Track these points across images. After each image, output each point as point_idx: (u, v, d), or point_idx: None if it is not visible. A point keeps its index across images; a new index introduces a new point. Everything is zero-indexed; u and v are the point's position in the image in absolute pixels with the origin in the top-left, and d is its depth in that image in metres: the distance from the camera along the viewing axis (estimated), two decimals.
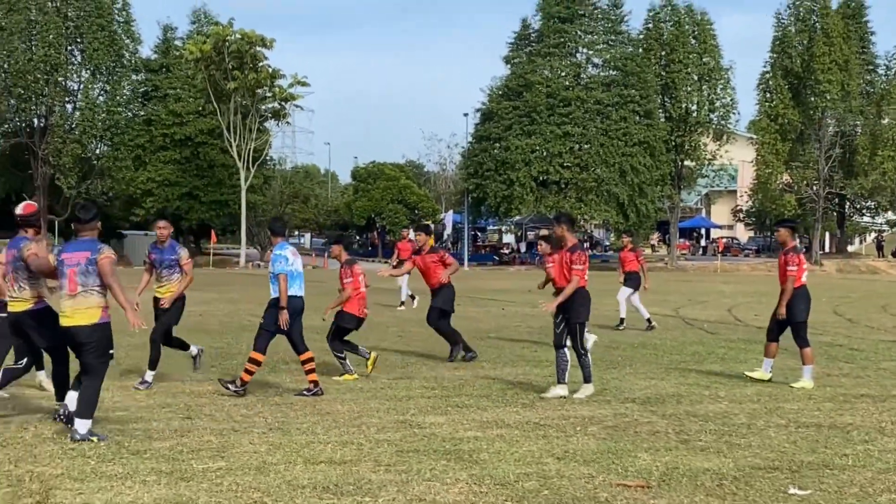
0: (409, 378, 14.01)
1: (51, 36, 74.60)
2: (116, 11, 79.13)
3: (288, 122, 72.56)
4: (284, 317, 12.23)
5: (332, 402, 11.86)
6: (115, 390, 12.43)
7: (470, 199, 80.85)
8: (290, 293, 12.33)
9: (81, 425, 9.19)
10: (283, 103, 71.30)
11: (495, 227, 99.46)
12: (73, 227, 9.87)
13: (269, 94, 71.21)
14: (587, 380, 12.62)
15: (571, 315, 12.54)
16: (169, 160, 78.38)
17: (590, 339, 18.77)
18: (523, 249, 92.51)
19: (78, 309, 9.22)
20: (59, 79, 76.69)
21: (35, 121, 77.90)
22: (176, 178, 78.09)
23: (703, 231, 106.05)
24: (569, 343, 12.60)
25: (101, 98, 78.44)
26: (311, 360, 12.54)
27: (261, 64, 69.61)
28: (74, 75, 78.64)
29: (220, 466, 8.37)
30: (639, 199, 73.38)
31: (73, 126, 76.68)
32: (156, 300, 12.91)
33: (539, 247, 25.24)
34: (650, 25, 77.54)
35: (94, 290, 9.23)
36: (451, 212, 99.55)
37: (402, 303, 27.71)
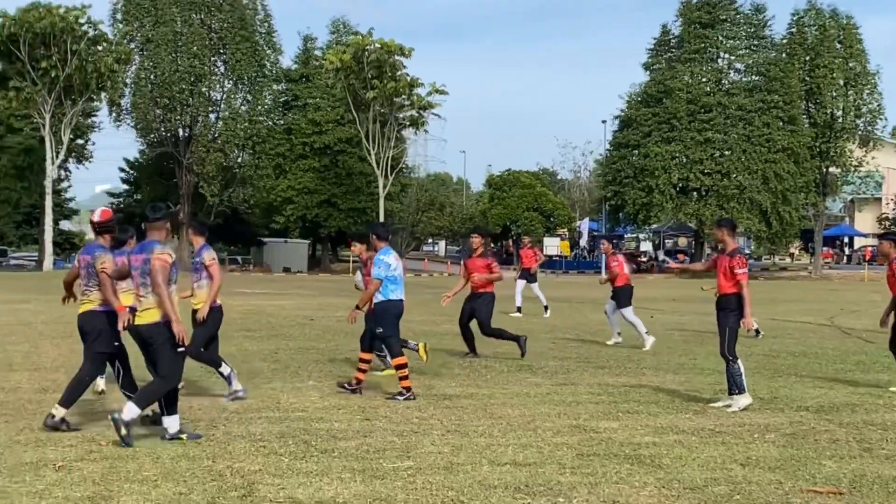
0: (574, 384, 14.08)
1: (195, 47, 76.71)
2: (258, 23, 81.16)
3: (426, 131, 73.27)
4: (353, 314, 12.97)
5: (503, 406, 12.00)
6: (289, 392, 12.80)
7: (607, 207, 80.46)
8: (391, 297, 12.66)
9: (171, 423, 9.47)
10: (421, 111, 71.91)
11: (632, 235, 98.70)
12: (142, 226, 9.80)
13: (407, 103, 71.88)
14: (739, 390, 12.23)
15: (724, 319, 12.36)
16: (308, 168, 79.79)
17: (648, 341, 19.00)
18: (661, 257, 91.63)
19: (142, 309, 9.35)
20: (203, 89, 78.70)
21: (180, 130, 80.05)
22: (315, 186, 79.43)
23: (846, 239, 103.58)
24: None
25: (243, 108, 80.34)
26: (404, 365, 12.68)
27: (399, 73, 70.36)
28: (217, 85, 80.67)
29: (409, 466, 8.58)
30: (782, 207, 72.18)
31: (217, 135, 78.60)
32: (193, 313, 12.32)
33: (602, 246, 26.13)
34: (793, 30, 76.14)
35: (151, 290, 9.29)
36: (586, 219, 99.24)
37: (519, 308, 27.37)
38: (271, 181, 79.45)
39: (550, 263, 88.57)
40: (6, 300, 31.39)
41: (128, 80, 74.89)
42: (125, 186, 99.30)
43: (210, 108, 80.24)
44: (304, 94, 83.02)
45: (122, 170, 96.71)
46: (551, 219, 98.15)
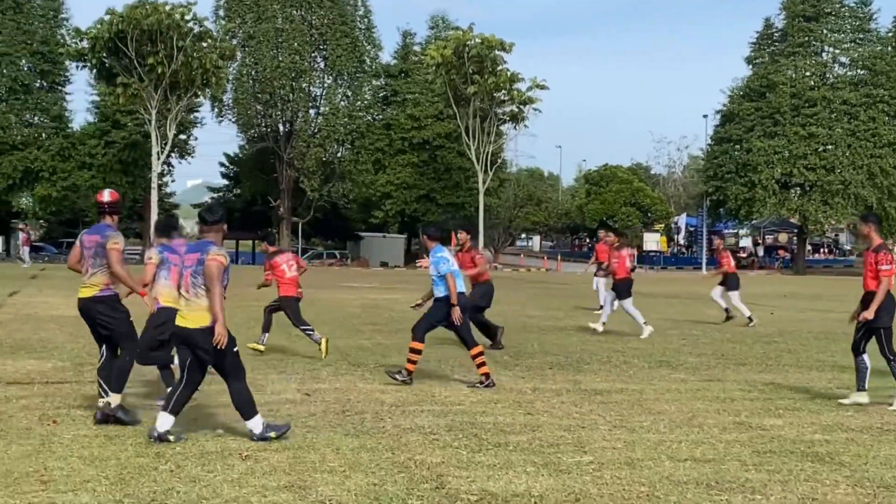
0: (720, 381, 13.90)
1: (296, 43, 77.41)
2: (359, 18, 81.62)
3: (526, 126, 72.99)
4: (457, 313, 12.72)
5: (657, 401, 11.89)
6: (438, 385, 12.83)
7: (708, 202, 79.61)
8: (458, 290, 12.85)
9: (256, 424, 9.02)
10: (520, 106, 71.74)
11: (732, 231, 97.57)
12: (198, 228, 9.62)
13: (506, 98, 71.76)
14: None
15: (875, 319, 12.08)
16: (407, 163, 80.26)
17: (646, 330, 19.53)
18: (761, 253, 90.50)
19: (191, 310, 9.05)
20: (304, 85, 79.40)
21: (280, 126, 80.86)
22: (414, 181, 79.84)
23: None
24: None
25: (342, 103, 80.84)
26: (480, 353, 12.93)
27: (499, 67, 70.27)
28: (317, 81, 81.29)
29: (590, 461, 8.52)
30: (888, 202, 70.88)
31: (317, 130, 79.25)
32: None
33: (714, 241, 26.33)
34: None
35: (203, 292, 9.00)
36: (684, 215, 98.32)
37: (602, 306, 26.85)
38: (370, 176, 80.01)
39: (648, 259, 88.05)
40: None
41: (230, 76, 75.68)
42: (224, 181, 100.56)
43: (310, 104, 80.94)
44: (403, 90, 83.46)
45: (221, 164, 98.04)
46: (648, 214, 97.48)
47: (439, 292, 12.99)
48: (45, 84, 79.42)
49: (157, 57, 64.57)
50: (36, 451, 8.43)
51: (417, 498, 7.25)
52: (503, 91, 71.07)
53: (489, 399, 11.75)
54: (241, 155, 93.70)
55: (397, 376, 12.87)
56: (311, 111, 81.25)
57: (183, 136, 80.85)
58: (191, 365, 9.07)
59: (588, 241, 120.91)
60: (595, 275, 26.58)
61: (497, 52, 70.10)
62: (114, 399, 9.60)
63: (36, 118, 78.95)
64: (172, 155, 79.96)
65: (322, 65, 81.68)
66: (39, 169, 76.49)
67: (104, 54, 65.87)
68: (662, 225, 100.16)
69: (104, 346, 10.00)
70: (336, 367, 14.31)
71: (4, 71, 75.73)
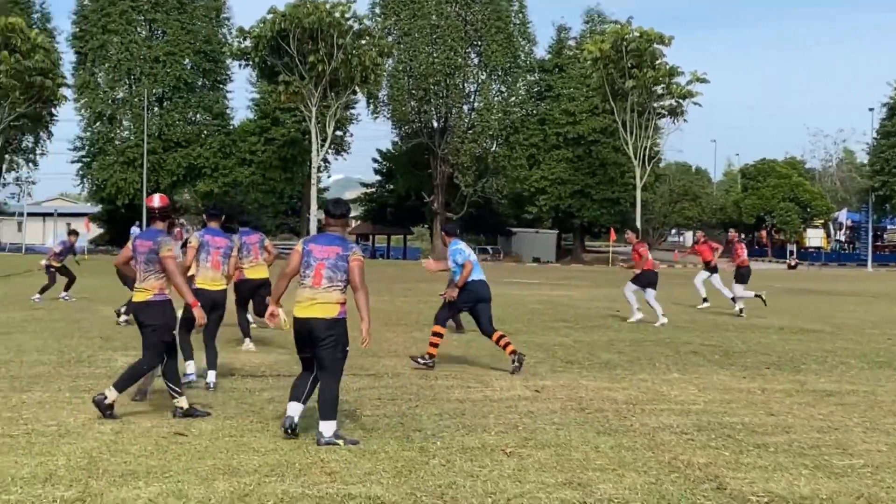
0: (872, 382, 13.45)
1: (451, 39, 77.75)
2: (513, 14, 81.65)
3: (685, 120, 72.07)
4: (452, 294, 13.51)
5: (895, 403, 11.56)
6: (661, 383, 12.69)
7: (873, 197, 77.42)
8: (475, 278, 13.77)
9: (327, 428, 8.62)
10: (680, 101, 70.86)
11: None
12: (322, 220, 9.50)
13: (665, 92, 70.98)
14: None
15: None
16: (561, 158, 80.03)
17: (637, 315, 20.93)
18: None
19: (317, 302, 8.82)
20: (458, 81, 79.78)
21: (433, 122, 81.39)
22: (568, 177, 79.56)
23: None
24: None
25: (496, 98, 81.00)
26: (501, 336, 13.63)
27: (658, 61, 69.57)
28: (471, 77, 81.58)
29: (862, 463, 8.26)
30: None
31: (471, 126, 79.54)
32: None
33: (729, 234, 26.11)
34: None
35: (338, 285, 8.84)
36: (844, 210, 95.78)
37: (705, 299, 26.21)
38: (524, 171, 80.00)
39: (809, 255, 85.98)
40: None
41: (386, 73, 76.48)
42: (377, 177, 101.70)
43: (464, 100, 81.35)
44: (558, 85, 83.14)
45: (374, 160, 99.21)
46: (808, 209, 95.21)
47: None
48: (207, 83, 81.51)
49: (318, 55, 65.72)
50: (303, 443, 8.56)
51: (704, 498, 7.13)
52: (662, 85, 70.33)
53: (721, 399, 11.53)
54: (393, 151, 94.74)
55: (420, 360, 13.58)
56: (465, 107, 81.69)
57: (339, 133, 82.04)
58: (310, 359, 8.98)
59: (743, 236, 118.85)
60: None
61: (656, 46, 69.38)
62: (110, 394, 9.51)
63: (198, 116, 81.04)
64: (329, 151, 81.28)
65: (476, 61, 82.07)
66: (202, 165, 78.56)
67: (266, 53, 67.18)
68: (822, 221, 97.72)
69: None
70: (550, 364, 14.26)
71: (169, 70, 77.88)
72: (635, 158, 71.17)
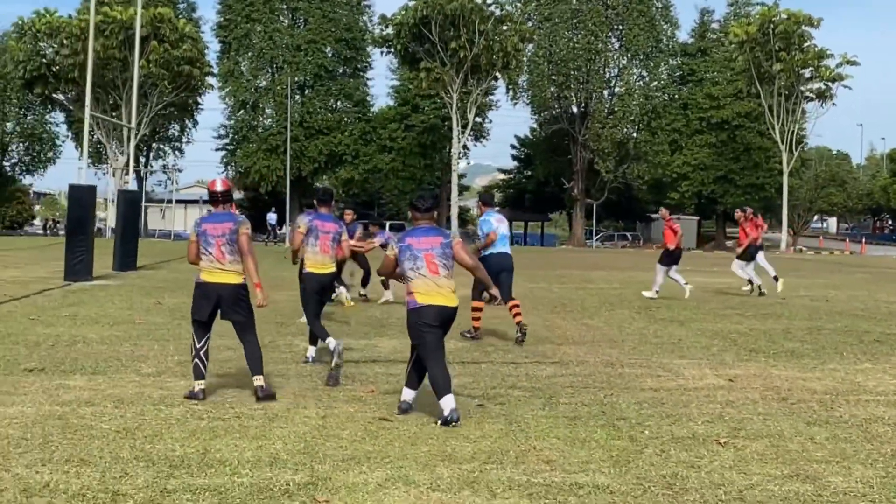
0: None
1: (591, 24, 77.04)
2: None
3: (834, 104, 70.06)
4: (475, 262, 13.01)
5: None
6: (864, 374, 12.31)
7: None
8: (496, 251, 14.63)
9: (450, 402, 8.71)
10: (828, 84, 69.05)
11: None
12: (410, 214, 9.61)
13: (814, 75, 69.25)
14: None
15: None
16: (704, 144, 78.75)
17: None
18: None
19: (448, 289, 9.16)
20: (599, 65, 79.07)
21: (573, 107, 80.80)
22: (711, 162, 78.26)
23: None
24: None
25: (638, 83, 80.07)
26: (516, 306, 14.61)
27: (807, 44, 67.90)
28: (612, 62, 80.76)
29: None
30: None
31: (612, 111, 78.80)
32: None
33: (736, 213, 25.27)
34: None
35: (450, 272, 9.23)
36: None
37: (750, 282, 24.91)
38: (666, 157, 78.94)
39: None
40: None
41: (525, 59, 76.14)
42: (514, 163, 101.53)
43: (604, 85, 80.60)
44: (701, 69, 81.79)
45: (513, 146, 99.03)
46: None
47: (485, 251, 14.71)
48: (347, 70, 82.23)
49: (460, 41, 65.72)
50: (510, 430, 8.48)
51: None
52: (810, 68, 68.63)
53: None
54: (531, 137, 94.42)
55: (467, 335, 14.52)
56: (605, 92, 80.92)
57: (478, 119, 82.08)
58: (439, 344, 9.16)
59: (891, 223, 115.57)
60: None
61: (804, 28, 67.72)
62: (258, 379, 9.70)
63: (339, 104, 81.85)
64: (468, 137, 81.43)
65: (616, 45, 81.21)
66: (343, 152, 79.35)
67: (408, 40, 67.44)
68: None
69: (209, 332, 9.85)
70: (735, 352, 13.93)
71: (310, 58, 78.77)
72: (782, 143, 69.62)
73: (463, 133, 70.63)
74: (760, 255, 24.66)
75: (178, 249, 44.80)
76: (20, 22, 69.02)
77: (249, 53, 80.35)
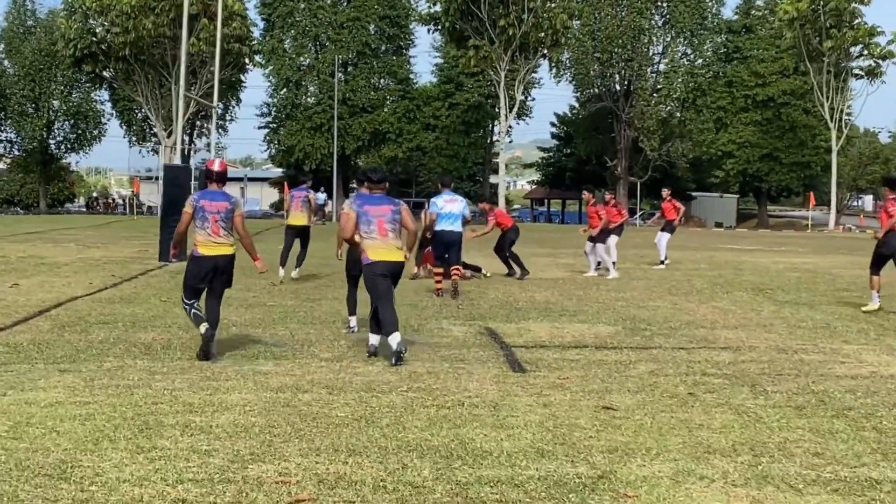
0: None
1: (639, 1, 76.43)
2: None
3: (883, 81, 69.34)
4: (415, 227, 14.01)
5: None
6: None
7: None
8: (442, 228, 17.28)
9: (397, 338, 10.63)
10: (879, 61, 68.37)
11: None
12: (365, 185, 11.44)
13: (864, 53, 68.60)
14: None
15: None
16: (749, 122, 78.22)
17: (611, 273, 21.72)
18: None
19: (395, 247, 10.99)
20: (643, 43, 78.52)
21: (617, 85, 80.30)
22: (756, 140, 77.74)
23: None
24: None
25: (683, 61, 79.50)
26: (456, 274, 17.43)
27: (857, 21, 67.24)
28: (656, 39, 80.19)
29: None
30: None
31: (656, 89, 78.30)
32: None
33: (664, 192, 25.56)
34: None
35: (397, 233, 11.09)
36: None
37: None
38: (711, 135, 78.44)
39: None
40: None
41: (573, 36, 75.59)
42: (554, 141, 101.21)
43: (649, 62, 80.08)
44: (746, 46, 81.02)
45: (552, 124, 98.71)
46: None
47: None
48: (391, 48, 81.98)
49: (508, 18, 65.29)
50: (740, 420, 8.33)
51: None
52: (860, 45, 67.98)
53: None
54: (570, 115, 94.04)
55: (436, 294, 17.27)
56: (649, 70, 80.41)
57: (521, 97, 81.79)
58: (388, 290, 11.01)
59: None
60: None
61: (854, 5, 67.02)
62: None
63: (382, 81, 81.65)
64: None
65: (661, 22, 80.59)
66: (386, 130, 79.21)
67: (456, 17, 67.03)
68: None
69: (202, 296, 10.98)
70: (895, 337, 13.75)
71: (354, 36, 78.51)
72: (831, 121, 69.07)
73: (511, 112, 70.26)
74: (612, 240, 23.57)
75: None
76: (70, 0, 69.00)
77: (293, 31, 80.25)
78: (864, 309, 16.31)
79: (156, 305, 15.41)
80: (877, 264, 16.52)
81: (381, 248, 10.86)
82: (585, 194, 23.52)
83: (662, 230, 26.26)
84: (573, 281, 21.56)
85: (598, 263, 22.66)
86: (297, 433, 7.48)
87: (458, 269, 17.65)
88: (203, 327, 10.66)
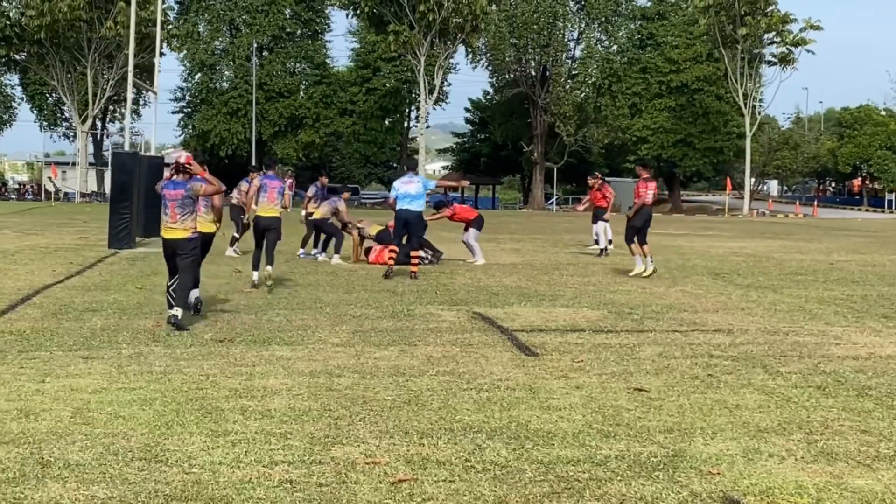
0: None
1: None
2: None
3: (795, 68, 70.71)
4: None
5: None
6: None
7: None
8: (400, 207, 18.54)
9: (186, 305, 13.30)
10: (791, 49, 69.79)
11: None
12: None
13: (777, 40, 69.96)
14: None
15: None
16: (664, 107, 79.28)
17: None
18: None
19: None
20: (559, 29, 79.12)
21: (532, 71, 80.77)
22: (671, 126, 78.79)
23: None
24: None
25: (598, 47, 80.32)
26: (419, 258, 18.84)
27: (770, 8, 68.53)
28: (572, 25, 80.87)
29: None
30: None
31: (573, 74, 79.03)
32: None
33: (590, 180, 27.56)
34: None
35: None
36: None
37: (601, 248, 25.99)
38: (627, 121, 79.35)
39: None
40: None
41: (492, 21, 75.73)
42: (468, 126, 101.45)
43: (564, 48, 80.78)
44: (660, 33, 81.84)
45: (467, 110, 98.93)
46: None
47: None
48: (307, 32, 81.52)
49: (428, 3, 65.34)
50: (773, 400, 8.64)
51: None
52: (773, 32, 69.33)
53: None
54: (484, 100, 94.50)
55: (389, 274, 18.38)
56: (565, 55, 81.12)
57: (436, 82, 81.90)
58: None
59: (834, 186, 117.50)
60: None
61: None
62: (179, 313, 11.87)
63: (298, 66, 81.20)
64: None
65: (574, 8, 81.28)
66: (303, 115, 78.84)
67: (375, 2, 66.88)
68: None
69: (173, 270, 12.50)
70: (874, 318, 14.20)
71: (270, 19, 77.93)
72: (745, 107, 70.44)
73: (430, 97, 70.43)
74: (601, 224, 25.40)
75: None
76: None
77: (207, 14, 79.38)
78: (634, 273, 19.32)
79: (134, 293, 15.32)
80: (630, 236, 19.41)
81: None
82: (591, 180, 26.67)
83: (598, 219, 25.86)
84: (531, 265, 21.88)
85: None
86: (358, 416, 7.60)
87: (417, 257, 18.79)
88: (174, 311, 11.92)
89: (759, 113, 72.97)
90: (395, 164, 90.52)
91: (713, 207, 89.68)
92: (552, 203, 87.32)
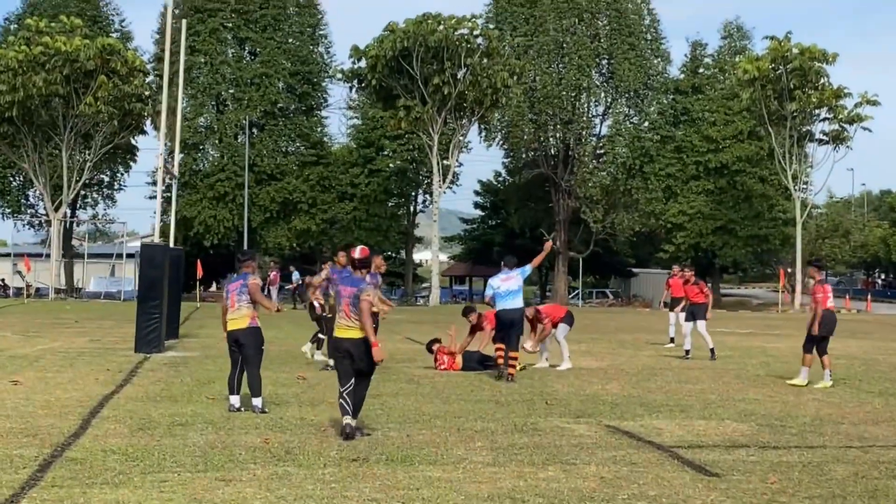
0: None
1: (578, 57, 77.62)
2: (644, 28, 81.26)
3: (849, 147, 70.78)
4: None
5: None
6: None
7: None
8: (502, 307, 18.98)
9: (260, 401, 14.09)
10: (845, 126, 69.96)
11: None
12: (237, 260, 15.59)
13: (829, 116, 70.21)
14: None
15: None
16: (701, 190, 79.28)
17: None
18: None
19: (241, 316, 14.87)
20: (583, 103, 79.58)
21: (553, 150, 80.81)
22: (710, 211, 78.69)
23: None
24: None
25: (627, 123, 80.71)
26: (513, 358, 19.10)
27: (822, 81, 68.87)
28: (595, 99, 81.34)
29: None
30: None
31: (599, 154, 79.36)
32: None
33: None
34: None
35: (248, 303, 14.71)
36: None
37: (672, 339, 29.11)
38: (660, 205, 79.12)
39: None
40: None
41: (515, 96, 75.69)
42: (478, 212, 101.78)
43: (589, 124, 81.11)
44: (695, 107, 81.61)
45: (477, 193, 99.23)
46: None
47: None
48: (302, 107, 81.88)
49: (444, 76, 65.82)
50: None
51: None
52: (825, 108, 69.65)
53: None
54: (496, 183, 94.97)
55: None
56: (590, 132, 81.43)
57: (446, 162, 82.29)
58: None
59: (884, 277, 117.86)
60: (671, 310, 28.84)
61: (819, 64, 68.65)
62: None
63: (293, 145, 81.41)
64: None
65: (598, 81, 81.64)
66: (298, 200, 78.80)
67: (385, 74, 67.33)
68: None
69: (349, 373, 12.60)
70: None
71: (261, 94, 78.26)
72: (794, 190, 70.62)
73: (444, 179, 70.66)
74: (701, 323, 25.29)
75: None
76: None
77: (190, 89, 79.64)
78: (792, 382, 19.43)
79: (209, 404, 15.26)
80: (811, 347, 19.50)
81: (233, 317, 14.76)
82: (688, 272, 26.54)
83: (697, 318, 25.11)
84: (622, 370, 21.88)
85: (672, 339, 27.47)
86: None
87: (515, 358, 19.24)
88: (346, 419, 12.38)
89: (811, 197, 73.19)
90: (393, 255, 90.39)
91: (753, 302, 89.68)
92: (576, 297, 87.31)
